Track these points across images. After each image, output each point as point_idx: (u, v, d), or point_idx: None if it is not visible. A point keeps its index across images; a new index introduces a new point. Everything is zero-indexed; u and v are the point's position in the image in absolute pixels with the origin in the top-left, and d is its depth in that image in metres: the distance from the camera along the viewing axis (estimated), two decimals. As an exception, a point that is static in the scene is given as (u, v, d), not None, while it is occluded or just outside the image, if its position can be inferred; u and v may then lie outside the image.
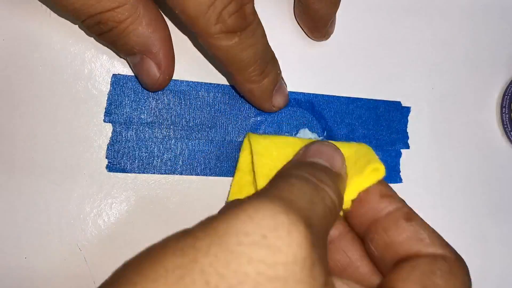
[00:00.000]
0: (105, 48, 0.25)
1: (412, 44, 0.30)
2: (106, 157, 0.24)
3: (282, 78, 0.25)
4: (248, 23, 0.21)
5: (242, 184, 0.24)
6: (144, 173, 0.25)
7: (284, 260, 0.12)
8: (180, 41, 0.26)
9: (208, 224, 0.13)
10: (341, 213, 0.21)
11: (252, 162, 0.23)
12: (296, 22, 0.27)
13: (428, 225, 0.18)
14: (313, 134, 0.27)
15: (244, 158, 0.25)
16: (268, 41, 0.23)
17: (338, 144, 0.22)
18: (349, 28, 0.29)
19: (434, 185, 0.31)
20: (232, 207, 0.13)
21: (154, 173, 0.25)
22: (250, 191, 0.24)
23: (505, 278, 0.32)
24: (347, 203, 0.20)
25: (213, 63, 0.26)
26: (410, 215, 0.18)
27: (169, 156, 0.25)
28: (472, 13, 0.32)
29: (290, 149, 0.23)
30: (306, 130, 0.27)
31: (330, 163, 0.20)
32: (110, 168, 0.24)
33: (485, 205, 0.32)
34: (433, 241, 0.18)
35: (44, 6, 0.24)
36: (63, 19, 0.24)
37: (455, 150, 0.31)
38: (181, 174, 0.25)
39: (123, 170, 0.25)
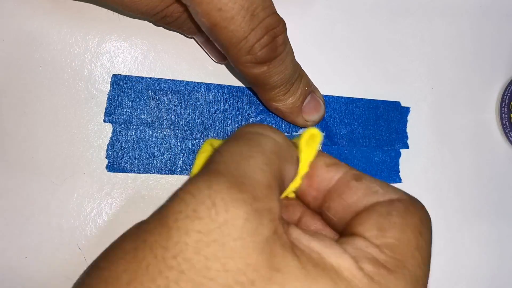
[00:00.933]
0: (105, 48, 0.25)
1: (412, 44, 0.30)
2: (106, 157, 0.24)
3: (316, 92, 0.26)
4: (278, 53, 0.21)
5: None
6: (144, 173, 0.25)
7: (215, 226, 0.14)
8: (180, 41, 0.26)
9: (157, 211, 0.15)
10: (292, 187, 0.21)
11: None
12: (295, 23, 0.27)
13: (378, 180, 0.19)
14: None
15: (199, 162, 0.24)
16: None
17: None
18: (349, 28, 0.29)
19: (433, 185, 0.31)
20: (172, 194, 0.15)
21: (154, 173, 0.25)
22: None
23: (505, 278, 0.32)
24: (298, 180, 0.20)
25: (214, 63, 0.26)
26: (359, 175, 0.19)
27: (169, 156, 0.25)
28: (472, 13, 0.32)
29: None
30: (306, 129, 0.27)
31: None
32: (110, 168, 0.24)
33: (484, 205, 0.32)
34: (386, 190, 0.18)
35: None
36: (63, 19, 0.24)
37: (454, 150, 0.31)
38: (181, 174, 0.25)
39: (123, 170, 0.25)
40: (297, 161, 0.19)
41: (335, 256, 0.15)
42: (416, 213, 0.17)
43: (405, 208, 0.17)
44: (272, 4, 0.20)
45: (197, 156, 0.23)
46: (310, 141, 0.20)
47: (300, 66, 0.24)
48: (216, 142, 0.22)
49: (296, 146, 0.20)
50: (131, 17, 0.25)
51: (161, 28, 0.25)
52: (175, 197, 0.15)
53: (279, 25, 0.21)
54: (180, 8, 0.22)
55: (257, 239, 0.14)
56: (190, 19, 0.23)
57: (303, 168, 0.20)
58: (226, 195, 0.14)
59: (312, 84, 0.25)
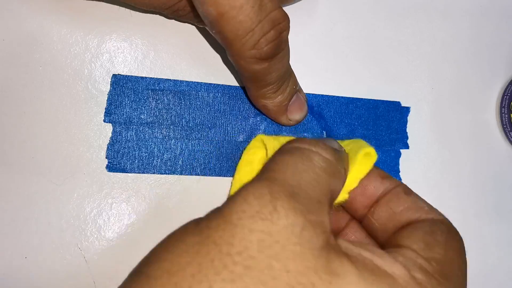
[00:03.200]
0: (105, 48, 0.25)
1: (412, 44, 0.30)
2: (106, 157, 0.24)
3: (300, 91, 0.26)
4: (281, 50, 0.21)
5: (243, 183, 0.24)
6: (144, 173, 0.25)
7: (276, 228, 0.14)
8: (180, 41, 0.26)
9: (215, 211, 0.16)
10: (338, 200, 0.21)
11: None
12: (295, 23, 0.27)
13: (424, 200, 0.20)
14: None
15: (247, 157, 0.25)
16: None
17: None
18: (349, 28, 0.29)
19: (433, 185, 0.31)
20: (231, 196, 0.16)
21: (154, 173, 0.25)
22: None
23: (505, 277, 0.32)
24: (345, 194, 0.21)
25: (214, 63, 0.26)
26: (409, 190, 0.21)
27: (169, 156, 0.25)
28: (472, 13, 0.32)
29: None
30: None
31: (326, 141, 0.21)
32: (110, 168, 0.24)
33: (484, 205, 0.32)
34: (431, 209, 0.19)
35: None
36: (63, 19, 0.24)
37: (454, 150, 0.31)
38: (181, 174, 0.25)
39: (123, 170, 0.25)
40: (345, 174, 0.20)
41: (388, 264, 0.16)
42: (457, 238, 0.18)
43: (448, 230, 0.18)
44: None
45: (245, 151, 0.25)
46: (365, 158, 0.22)
47: (290, 65, 0.24)
48: (266, 139, 0.24)
49: (344, 157, 0.20)
50: (143, 12, 0.25)
51: (161, 28, 0.25)
52: (238, 197, 0.15)
53: (285, 20, 0.20)
54: (190, 2, 0.22)
55: (313, 246, 0.15)
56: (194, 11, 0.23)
57: (352, 183, 0.21)
58: (285, 203, 0.15)
59: (298, 84, 0.25)
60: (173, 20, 0.26)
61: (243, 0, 0.18)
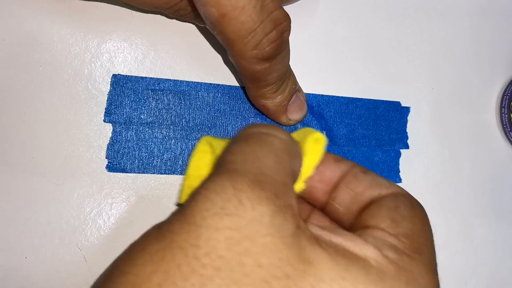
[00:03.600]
0: (105, 48, 0.25)
1: (412, 44, 0.30)
2: (106, 157, 0.24)
3: (300, 91, 0.26)
4: (282, 50, 0.21)
5: (194, 186, 0.23)
6: (144, 173, 0.25)
7: (244, 222, 0.14)
8: (180, 41, 0.26)
9: (177, 212, 0.15)
10: (296, 191, 0.21)
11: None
12: (295, 23, 0.27)
13: (382, 176, 0.20)
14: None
15: (195, 162, 0.24)
16: None
17: None
18: (349, 28, 0.29)
19: (433, 185, 0.31)
20: (193, 193, 0.15)
21: (154, 173, 0.25)
22: None
23: (505, 277, 0.32)
24: (301, 184, 0.20)
25: (214, 63, 0.26)
26: (365, 170, 0.20)
27: (169, 156, 0.25)
28: (472, 13, 0.32)
29: None
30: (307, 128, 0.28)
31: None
32: (110, 168, 0.24)
33: (484, 205, 0.32)
34: (390, 184, 0.19)
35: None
36: (63, 19, 0.24)
37: (454, 150, 0.31)
38: (181, 174, 0.25)
39: (123, 170, 0.25)
40: (301, 155, 0.20)
41: (359, 246, 0.15)
42: (420, 209, 0.18)
43: (410, 203, 0.18)
44: None
45: (192, 155, 0.23)
46: (315, 144, 0.21)
47: (289, 65, 0.24)
48: (215, 141, 0.23)
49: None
50: (144, 12, 0.25)
51: (161, 28, 0.25)
52: (198, 196, 0.15)
53: (286, 20, 0.20)
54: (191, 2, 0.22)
55: (284, 234, 0.14)
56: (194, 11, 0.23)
57: (307, 171, 0.20)
58: (250, 193, 0.14)
59: (298, 83, 0.25)
60: (173, 20, 0.26)
61: (245, 0, 0.18)
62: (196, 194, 0.15)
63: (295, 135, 0.23)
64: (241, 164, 0.16)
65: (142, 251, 0.14)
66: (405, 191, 0.19)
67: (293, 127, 0.28)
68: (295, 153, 0.18)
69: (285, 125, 0.26)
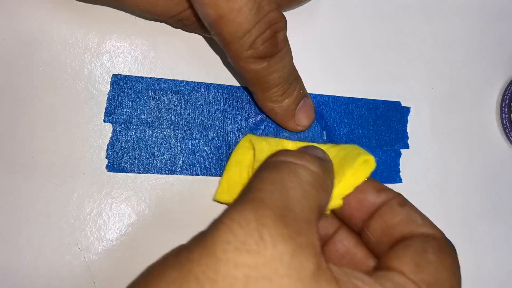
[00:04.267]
0: (105, 48, 0.25)
1: (412, 44, 0.30)
2: (106, 157, 0.24)
3: (308, 97, 0.26)
4: (279, 49, 0.21)
5: (230, 184, 0.24)
6: (144, 173, 0.25)
7: (263, 260, 0.14)
8: (180, 41, 0.26)
9: (198, 238, 0.15)
10: (332, 207, 0.21)
11: (244, 164, 0.24)
12: (296, 23, 0.27)
13: (419, 210, 0.20)
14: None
15: (236, 157, 0.25)
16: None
17: (325, 146, 0.24)
18: (349, 28, 0.29)
19: (434, 185, 0.31)
20: (215, 221, 0.15)
21: (154, 173, 0.25)
22: (238, 190, 0.24)
23: (506, 277, 0.32)
24: (339, 200, 0.21)
25: (214, 63, 0.26)
26: (404, 202, 0.20)
27: (169, 156, 0.25)
28: (472, 13, 0.32)
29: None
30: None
31: (310, 151, 0.21)
32: (110, 168, 0.24)
33: (485, 205, 0.32)
34: (424, 222, 0.19)
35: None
36: (63, 19, 0.24)
37: (455, 150, 0.31)
38: (181, 174, 0.25)
39: (123, 170, 0.25)
40: (332, 186, 0.20)
41: None
42: (450, 254, 0.18)
43: (439, 247, 0.18)
44: None
45: (234, 151, 0.25)
46: (364, 166, 0.21)
47: (297, 70, 0.24)
48: (255, 139, 0.24)
49: (330, 167, 0.20)
50: (148, 19, 0.25)
51: (161, 28, 0.25)
52: (221, 225, 0.15)
53: (281, 21, 0.21)
54: (195, 13, 0.22)
55: (303, 274, 0.14)
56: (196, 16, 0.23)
57: (347, 189, 0.21)
58: (273, 230, 0.14)
59: (306, 89, 0.25)
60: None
61: (242, 2, 0.19)
62: (219, 223, 0.15)
63: (343, 147, 0.23)
64: (268, 194, 0.16)
65: (159, 278, 0.14)
66: (439, 231, 0.19)
67: (329, 139, 0.28)
68: (324, 188, 0.18)
69: (292, 131, 0.26)
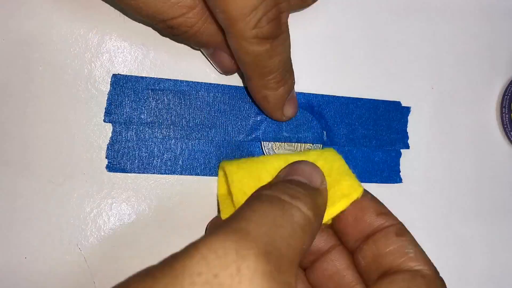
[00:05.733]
0: (105, 48, 0.25)
1: (412, 44, 0.30)
2: (106, 157, 0.24)
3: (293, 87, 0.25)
4: (282, 31, 0.21)
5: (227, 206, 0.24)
6: (144, 173, 0.25)
7: None
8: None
9: (167, 263, 0.14)
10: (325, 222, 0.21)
11: (228, 189, 0.23)
12: (296, 23, 0.27)
13: (416, 242, 0.19)
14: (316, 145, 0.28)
15: (221, 184, 0.24)
16: None
17: (304, 155, 0.23)
18: (349, 28, 0.29)
19: (434, 185, 0.31)
20: (190, 246, 0.14)
21: (154, 173, 0.25)
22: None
23: (506, 277, 0.32)
24: (328, 219, 0.21)
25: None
26: (401, 231, 0.19)
27: (169, 156, 0.25)
28: (472, 13, 0.32)
29: (266, 173, 0.22)
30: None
31: (308, 179, 0.20)
32: (110, 168, 0.24)
33: (485, 205, 0.32)
34: (416, 256, 0.18)
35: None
36: (63, 19, 0.24)
37: (455, 150, 0.31)
38: (181, 174, 0.25)
39: (123, 170, 0.25)
40: (319, 228, 0.19)
41: None
42: None
43: (426, 286, 0.17)
44: None
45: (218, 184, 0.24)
46: (348, 193, 0.21)
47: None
48: (225, 164, 0.23)
49: (324, 196, 0.20)
50: (137, 21, 0.25)
51: (161, 28, 0.25)
52: (195, 252, 0.13)
53: (285, 1, 0.20)
54: (190, 21, 0.21)
55: None
56: (201, 37, 0.22)
57: (334, 211, 0.20)
58: (252, 264, 0.13)
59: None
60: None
61: None
62: (193, 249, 0.14)
63: (323, 156, 0.23)
64: (256, 227, 0.15)
65: None
66: (430, 268, 0.18)
67: (329, 139, 0.28)
68: (313, 232, 0.18)
69: (278, 120, 0.26)
